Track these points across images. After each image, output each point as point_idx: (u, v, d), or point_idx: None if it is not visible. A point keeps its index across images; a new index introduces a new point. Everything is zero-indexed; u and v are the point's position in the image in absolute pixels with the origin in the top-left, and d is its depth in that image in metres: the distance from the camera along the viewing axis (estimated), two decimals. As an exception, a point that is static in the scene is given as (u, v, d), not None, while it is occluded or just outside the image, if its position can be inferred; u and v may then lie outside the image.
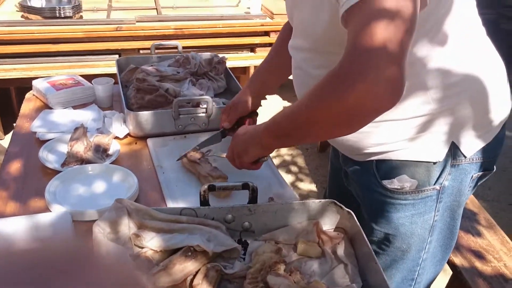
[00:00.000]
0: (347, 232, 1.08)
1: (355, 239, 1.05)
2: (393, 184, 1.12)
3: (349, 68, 0.79)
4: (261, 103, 1.47)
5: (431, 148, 1.06)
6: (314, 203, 1.07)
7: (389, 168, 1.12)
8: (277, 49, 1.40)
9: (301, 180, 3.04)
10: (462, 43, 1.01)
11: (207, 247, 0.96)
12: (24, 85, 2.88)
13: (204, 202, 1.05)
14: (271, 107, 3.53)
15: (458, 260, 1.64)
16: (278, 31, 3.11)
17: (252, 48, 3.22)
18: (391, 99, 0.79)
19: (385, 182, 1.12)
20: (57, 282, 0.31)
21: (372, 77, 0.76)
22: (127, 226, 1.00)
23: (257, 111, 1.46)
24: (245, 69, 3.26)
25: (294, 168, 3.13)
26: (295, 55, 1.15)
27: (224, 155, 1.22)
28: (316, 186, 2.98)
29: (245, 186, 1.06)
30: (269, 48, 3.13)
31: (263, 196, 1.11)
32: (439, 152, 1.06)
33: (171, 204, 1.22)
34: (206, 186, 1.04)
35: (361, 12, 0.78)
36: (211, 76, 1.82)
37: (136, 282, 0.35)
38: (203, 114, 1.54)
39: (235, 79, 1.82)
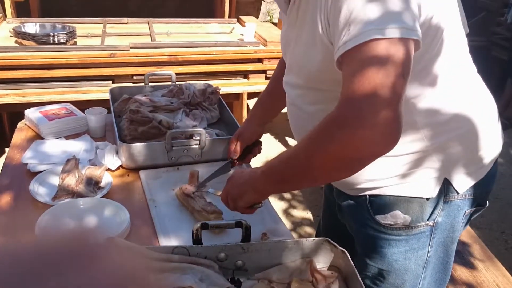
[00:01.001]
0: (341, 271, 1.07)
1: (349, 278, 1.04)
2: (387, 219, 1.12)
3: (346, 114, 0.80)
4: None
5: (424, 184, 1.06)
6: (308, 242, 1.06)
7: (382, 203, 1.12)
8: (277, 77, 1.43)
9: (294, 207, 3.03)
10: (452, 82, 1.02)
11: (197, 286, 0.95)
12: (16, 110, 2.88)
13: (196, 240, 1.04)
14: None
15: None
16: (271, 58, 3.17)
17: (245, 74, 3.23)
18: (389, 143, 0.81)
19: (379, 218, 1.12)
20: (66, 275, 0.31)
21: (369, 122, 0.78)
22: (118, 266, 0.99)
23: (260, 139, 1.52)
24: (238, 95, 3.27)
25: (287, 195, 3.12)
26: (289, 91, 1.15)
27: (219, 193, 1.21)
28: (310, 212, 2.97)
29: (238, 224, 1.05)
30: (262, 75, 3.19)
31: (256, 231, 1.10)
32: (432, 188, 1.06)
33: (163, 240, 1.21)
34: (199, 225, 1.03)
35: (355, 58, 0.79)
36: (204, 106, 1.82)
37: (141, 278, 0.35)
38: (196, 146, 1.53)
39: (228, 109, 1.83)
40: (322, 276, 1.06)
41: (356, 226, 1.20)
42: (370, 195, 1.13)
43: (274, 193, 1.12)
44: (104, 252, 0.35)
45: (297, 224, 2.86)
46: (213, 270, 1.03)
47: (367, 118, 0.78)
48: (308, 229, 2.82)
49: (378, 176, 1.08)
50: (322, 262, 1.08)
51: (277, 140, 3.87)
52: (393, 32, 0.78)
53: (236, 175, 1.13)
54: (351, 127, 0.79)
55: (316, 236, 1.32)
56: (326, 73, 0.97)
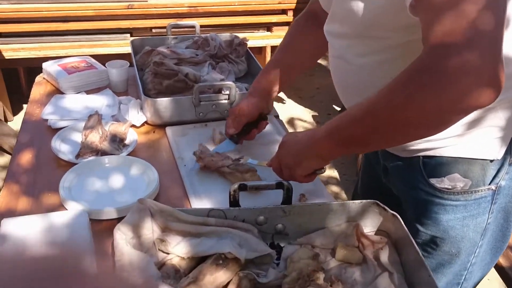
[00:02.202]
0: (391, 236, 0.98)
1: (400, 244, 0.96)
2: (443, 183, 1.02)
3: (442, 60, 0.69)
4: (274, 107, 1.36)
5: (488, 144, 0.95)
6: (354, 204, 0.97)
7: (438, 165, 1.02)
8: (286, 46, 1.29)
9: (319, 165, 2.94)
10: None
11: (239, 254, 0.87)
12: (32, 65, 2.79)
13: (234, 202, 0.96)
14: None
15: (504, 261, 1.55)
16: (296, 9, 2.99)
17: (268, 27, 3.08)
18: (493, 95, 0.69)
19: (434, 181, 1.02)
20: None
21: (474, 68, 0.67)
22: (150, 230, 0.91)
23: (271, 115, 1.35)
24: (261, 49, 3.13)
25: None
26: (333, 43, 1.03)
27: (266, 163, 1.10)
28: (336, 171, 2.88)
29: (279, 185, 0.96)
30: (286, 28, 3.03)
31: (293, 192, 1.00)
32: (497, 149, 0.95)
33: (194, 202, 1.13)
34: (236, 186, 0.95)
35: None
36: (231, 59, 1.70)
37: None
38: (226, 101, 1.43)
39: (257, 61, 1.71)
40: (370, 241, 0.97)
41: (407, 190, 1.10)
42: (424, 156, 1.02)
43: (339, 156, 1.00)
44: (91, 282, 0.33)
45: (323, 183, 2.77)
46: (251, 234, 0.95)
47: (470, 62, 0.66)
48: (335, 188, 2.73)
49: (436, 136, 0.97)
50: (369, 226, 1.00)
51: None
52: None
53: (290, 140, 1.01)
54: (451, 75, 0.68)
55: (352, 199, 1.23)
56: (386, 18, 0.84)
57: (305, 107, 3.62)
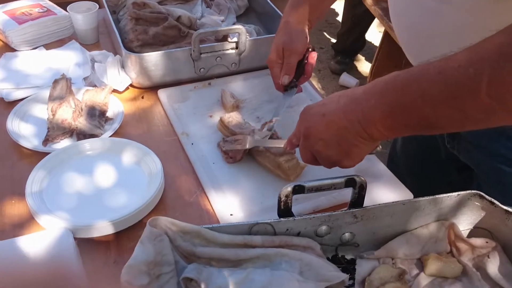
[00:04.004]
0: (497, 237, 0.72)
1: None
2: None
3: None
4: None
5: None
6: (449, 198, 0.70)
7: None
8: None
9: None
10: None
11: (307, 293, 0.60)
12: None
13: (285, 211, 0.67)
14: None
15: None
16: None
17: None
18: None
19: None
20: None
21: None
22: (173, 265, 0.62)
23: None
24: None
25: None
26: None
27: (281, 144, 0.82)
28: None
29: (349, 182, 0.67)
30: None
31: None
32: None
33: (215, 198, 0.83)
34: (290, 188, 0.65)
35: None
36: (227, -8, 1.35)
37: None
38: (233, 51, 1.10)
39: (260, -6, 1.36)
40: (470, 245, 0.71)
41: (494, 163, 0.84)
42: None
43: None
44: None
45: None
46: (312, 252, 0.68)
47: None
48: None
49: None
50: (463, 224, 0.73)
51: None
52: None
53: (316, 119, 0.69)
54: None
55: (388, 166, 0.96)
56: None
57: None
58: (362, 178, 0.67)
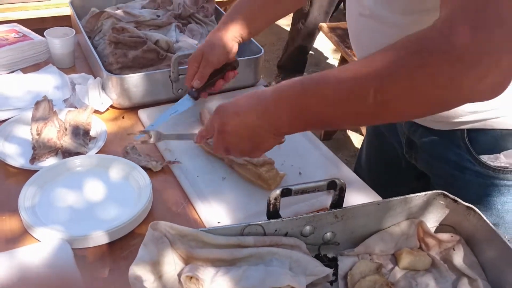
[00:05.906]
0: (457, 230, 0.81)
1: (475, 241, 0.79)
2: (499, 161, 0.87)
3: (469, 43, 0.53)
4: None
5: None
6: (418, 198, 0.78)
7: (488, 139, 0.87)
8: None
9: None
10: None
11: (299, 285, 0.66)
12: None
13: (274, 213, 0.73)
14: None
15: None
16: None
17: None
18: (500, 91, 0.58)
19: (485, 158, 0.88)
20: None
21: (499, 62, 0.54)
22: (173, 265, 0.67)
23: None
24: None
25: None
26: None
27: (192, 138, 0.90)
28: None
29: (331, 185, 0.74)
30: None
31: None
32: None
33: (201, 207, 0.89)
34: (278, 192, 0.72)
35: None
36: (198, 19, 1.42)
37: None
38: (210, 72, 1.17)
39: (229, 21, 1.44)
40: (437, 240, 0.80)
41: (447, 169, 0.93)
42: (469, 130, 0.86)
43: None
44: None
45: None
46: (299, 250, 0.74)
47: (498, 50, 0.53)
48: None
49: (484, 107, 0.80)
50: (430, 221, 0.82)
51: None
52: None
53: (230, 116, 0.78)
54: (466, 63, 0.53)
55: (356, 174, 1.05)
56: None
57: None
58: (342, 181, 0.74)
